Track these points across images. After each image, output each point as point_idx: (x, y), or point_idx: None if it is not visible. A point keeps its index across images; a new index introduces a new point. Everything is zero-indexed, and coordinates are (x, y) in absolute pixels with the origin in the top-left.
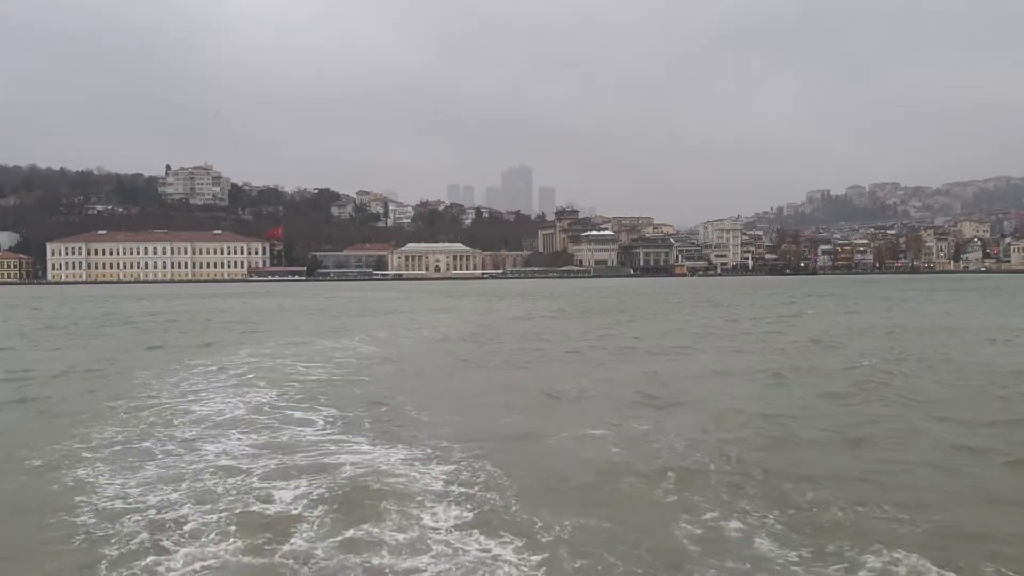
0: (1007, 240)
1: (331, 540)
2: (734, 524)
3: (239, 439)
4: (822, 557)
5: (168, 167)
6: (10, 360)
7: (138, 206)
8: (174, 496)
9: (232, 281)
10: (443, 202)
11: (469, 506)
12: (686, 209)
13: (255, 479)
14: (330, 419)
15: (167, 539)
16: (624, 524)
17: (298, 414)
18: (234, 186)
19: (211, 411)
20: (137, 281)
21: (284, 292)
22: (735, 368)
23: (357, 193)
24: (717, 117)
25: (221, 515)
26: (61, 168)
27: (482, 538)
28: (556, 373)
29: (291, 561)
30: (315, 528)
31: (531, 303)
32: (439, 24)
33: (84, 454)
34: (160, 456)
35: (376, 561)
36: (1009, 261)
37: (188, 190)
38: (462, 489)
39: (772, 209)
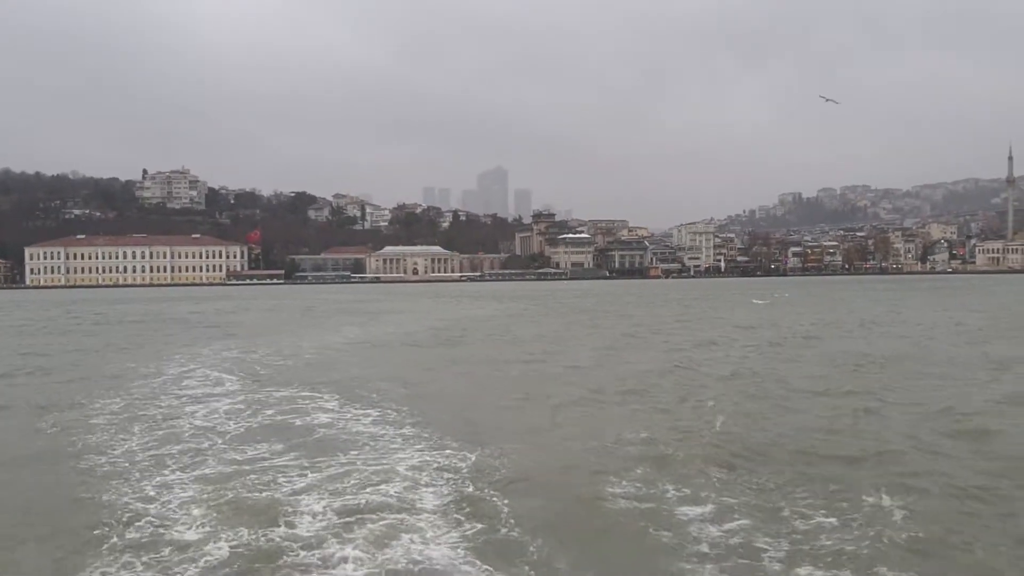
0: (973, 242)
1: (301, 477)
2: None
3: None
4: None
5: (145, 171)
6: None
7: (115, 210)
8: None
9: (211, 285)
10: (420, 205)
11: (415, 443)
12: (661, 212)
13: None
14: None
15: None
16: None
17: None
18: (211, 190)
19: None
20: (116, 285)
21: (272, 295)
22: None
23: (334, 196)
24: (690, 120)
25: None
26: (36, 172)
27: (425, 473)
28: (523, 369)
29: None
30: (289, 471)
31: (508, 304)
32: (409, 24)
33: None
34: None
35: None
36: (975, 262)
37: (165, 194)
38: (405, 431)
39: (745, 212)
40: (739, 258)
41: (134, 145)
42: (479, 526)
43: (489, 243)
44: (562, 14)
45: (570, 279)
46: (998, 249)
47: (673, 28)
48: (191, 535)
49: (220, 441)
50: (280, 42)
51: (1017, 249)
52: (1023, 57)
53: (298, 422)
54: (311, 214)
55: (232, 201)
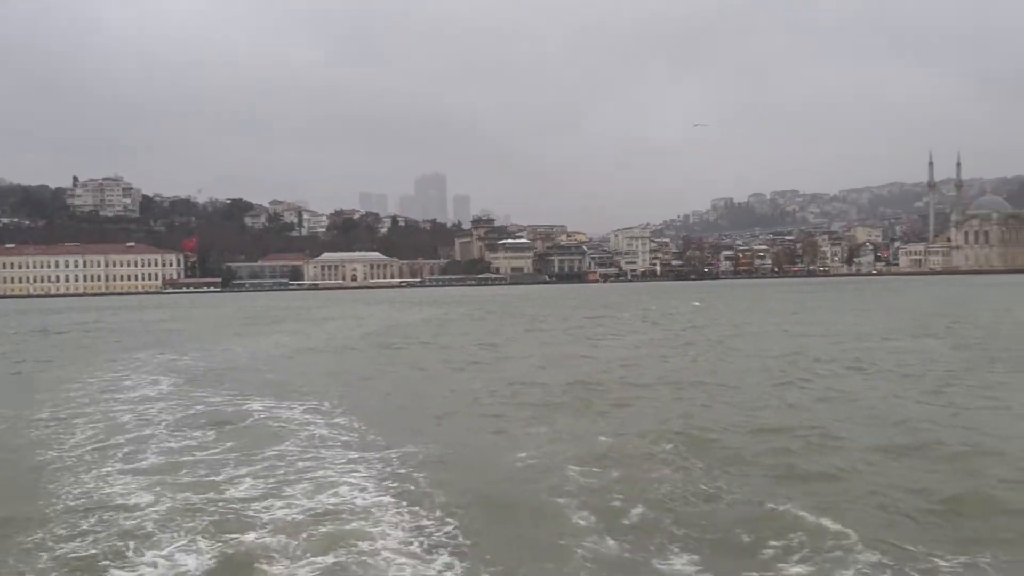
0: (896, 244)
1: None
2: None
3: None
4: None
5: (75, 178)
6: None
7: (45, 218)
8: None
9: (147, 294)
10: (357, 211)
11: (326, 427)
12: (598, 217)
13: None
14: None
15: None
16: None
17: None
18: (145, 197)
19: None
20: (48, 295)
21: (210, 304)
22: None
23: (270, 203)
24: (624, 126)
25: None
26: None
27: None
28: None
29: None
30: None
31: (447, 309)
32: (340, 24)
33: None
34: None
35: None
36: (898, 264)
37: (98, 202)
38: (322, 418)
39: (679, 217)
40: (674, 262)
41: (60, 150)
42: (408, 508)
43: (428, 249)
44: (496, 18)
45: (510, 284)
46: (920, 251)
47: (608, 35)
48: (135, 522)
49: (157, 439)
50: (209, 42)
51: (938, 251)
52: (946, 63)
53: (232, 421)
54: (248, 221)
55: (167, 208)
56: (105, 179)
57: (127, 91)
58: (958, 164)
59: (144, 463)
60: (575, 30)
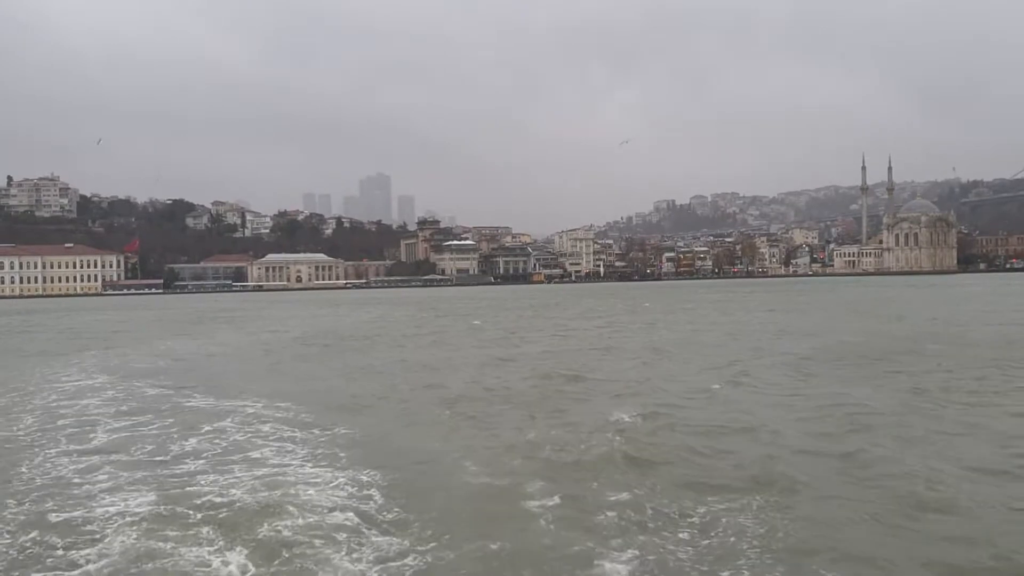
0: (831, 246)
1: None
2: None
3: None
4: None
5: (10, 178)
6: None
7: None
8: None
9: (86, 295)
10: (301, 212)
11: (271, 419)
12: (542, 218)
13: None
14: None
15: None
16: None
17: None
18: (83, 198)
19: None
20: None
21: (152, 305)
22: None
23: (212, 204)
24: (565, 127)
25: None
26: None
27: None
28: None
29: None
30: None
31: (391, 309)
32: (273, 23)
33: None
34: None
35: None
36: (833, 265)
37: (33, 202)
38: (264, 409)
39: (623, 218)
40: (617, 263)
41: None
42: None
43: (374, 250)
44: (430, 19)
45: (456, 285)
46: (853, 253)
47: (545, 36)
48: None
49: (102, 424)
50: (140, 39)
51: (870, 253)
52: (882, 72)
53: (171, 412)
54: (189, 222)
55: (105, 208)
56: (41, 179)
57: (57, 90)
58: (889, 169)
59: (92, 443)
60: (510, 31)
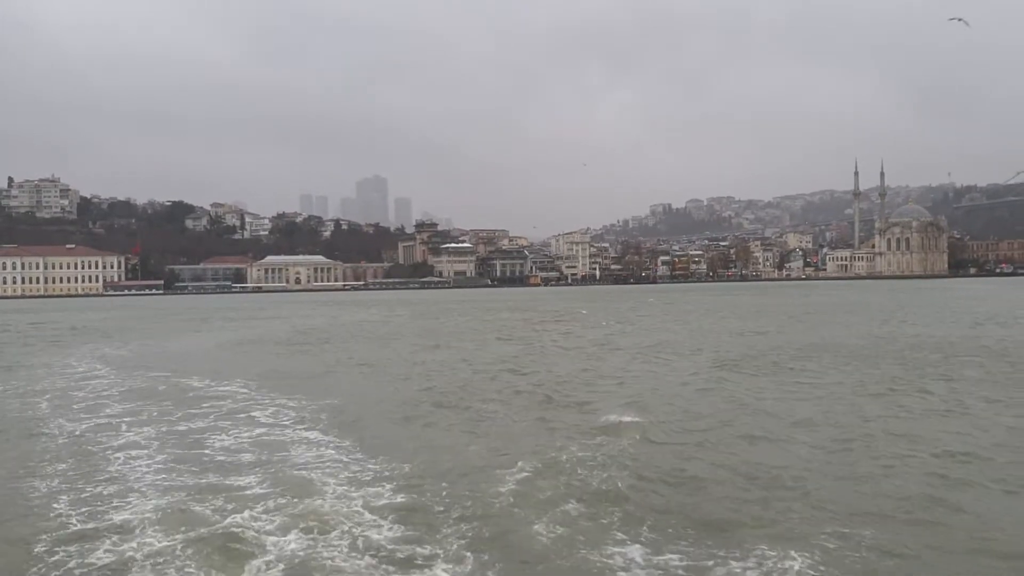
0: (824, 250)
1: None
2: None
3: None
4: None
5: (11, 179)
6: None
7: None
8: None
9: (88, 296)
10: (300, 214)
11: (271, 410)
12: (539, 220)
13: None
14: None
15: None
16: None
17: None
18: (83, 199)
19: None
20: None
21: (154, 305)
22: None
23: (212, 205)
24: (560, 129)
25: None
26: None
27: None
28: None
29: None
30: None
31: (393, 310)
32: (271, 25)
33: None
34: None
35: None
36: (825, 269)
37: (34, 203)
38: (266, 395)
39: (619, 222)
40: (613, 267)
41: None
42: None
43: (372, 252)
44: (425, 19)
45: (453, 287)
46: (846, 257)
47: (543, 37)
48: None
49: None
50: (135, 39)
51: (862, 257)
52: (879, 75)
53: (170, 395)
54: (189, 223)
55: (105, 209)
56: (41, 180)
57: (53, 90)
58: (882, 174)
59: (107, 411)
60: (504, 32)
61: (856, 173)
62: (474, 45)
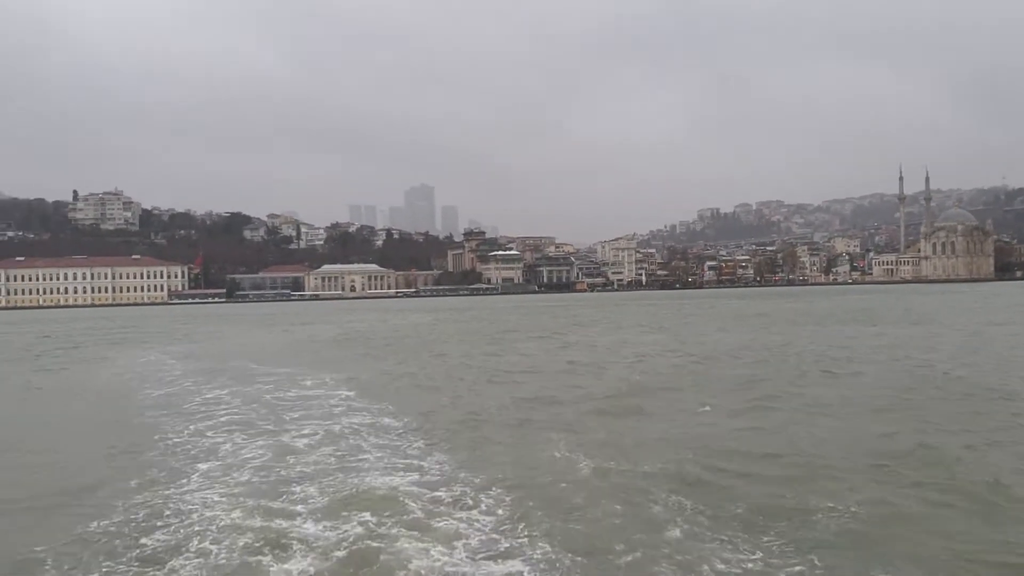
0: (871, 255)
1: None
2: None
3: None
4: None
5: (75, 193)
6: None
7: (49, 232)
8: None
9: (153, 304)
10: (352, 224)
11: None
12: (585, 226)
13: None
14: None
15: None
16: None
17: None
18: (144, 211)
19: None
20: (58, 306)
21: (228, 313)
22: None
23: (268, 216)
24: (601, 133)
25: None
26: None
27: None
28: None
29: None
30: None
31: (445, 314)
32: (299, 33)
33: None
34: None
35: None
36: (872, 273)
37: (99, 215)
38: (347, 389)
39: (666, 227)
40: (659, 272)
41: (27, 163)
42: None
43: (422, 260)
44: (457, 23)
45: (501, 294)
46: (891, 261)
47: (576, 38)
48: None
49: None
50: (173, 52)
51: (907, 261)
52: (930, 70)
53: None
54: (247, 234)
55: (166, 221)
56: (105, 193)
57: (87, 103)
58: (927, 179)
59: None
60: (542, 35)
61: (901, 178)
62: (510, 47)
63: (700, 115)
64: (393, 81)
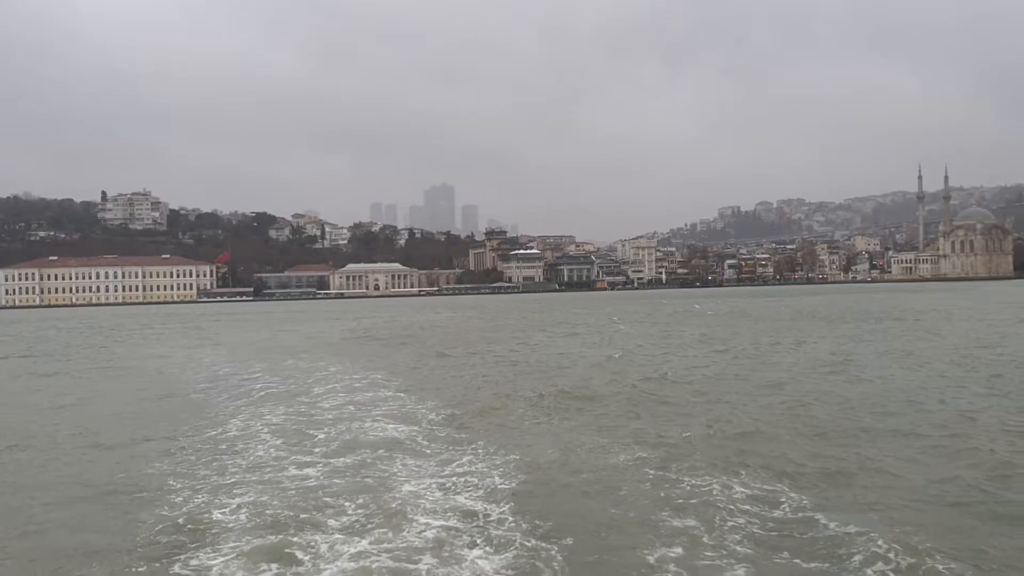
0: (890, 253)
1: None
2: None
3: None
4: None
5: (104, 193)
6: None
7: (79, 232)
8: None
9: (184, 303)
10: (375, 223)
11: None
12: (605, 224)
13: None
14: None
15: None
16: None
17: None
18: (172, 211)
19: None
20: (90, 304)
21: (260, 311)
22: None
23: (293, 216)
24: (619, 130)
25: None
26: None
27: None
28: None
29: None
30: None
31: (468, 312)
32: (318, 31)
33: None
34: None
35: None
36: (891, 272)
37: (128, 215)
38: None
39: (687, 225)
40: (679, 270)
41: (53, 164)
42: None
43: (444, 259)
44: (474, 21)
45: (523, 292)
46: (910, 260)
47: (593, 35)
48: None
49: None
50: (182, 51)
51: (927, 260)
52: (951, 65)
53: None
54: (272, 233)
55: (193, 221)
56: (134, 194)
57: (103, 101)
58: (945, 177)
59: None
60: (557, 32)
61: (920, 176)
62: (526, 45)
63: (720, 112)
64: (411, 80)
